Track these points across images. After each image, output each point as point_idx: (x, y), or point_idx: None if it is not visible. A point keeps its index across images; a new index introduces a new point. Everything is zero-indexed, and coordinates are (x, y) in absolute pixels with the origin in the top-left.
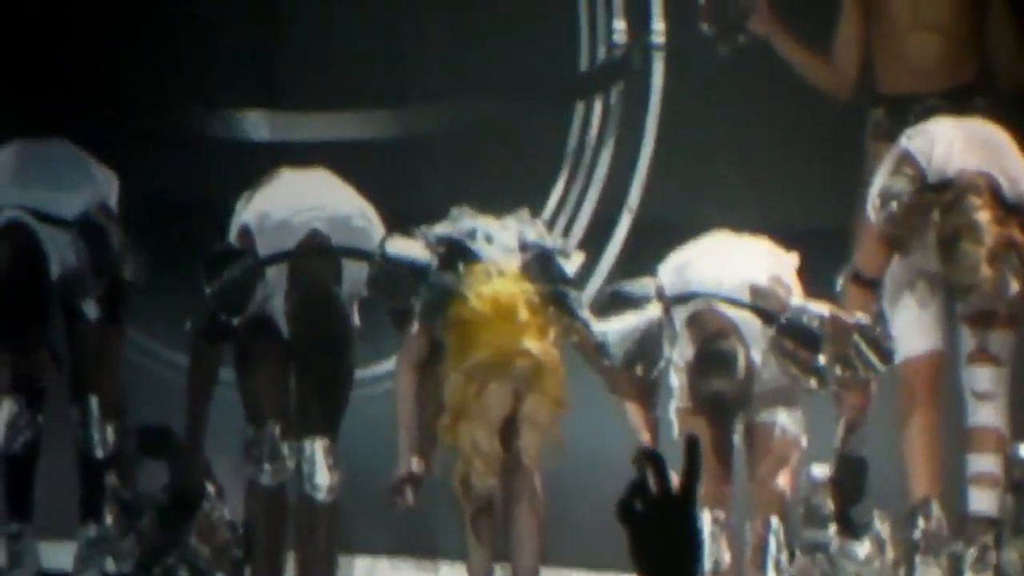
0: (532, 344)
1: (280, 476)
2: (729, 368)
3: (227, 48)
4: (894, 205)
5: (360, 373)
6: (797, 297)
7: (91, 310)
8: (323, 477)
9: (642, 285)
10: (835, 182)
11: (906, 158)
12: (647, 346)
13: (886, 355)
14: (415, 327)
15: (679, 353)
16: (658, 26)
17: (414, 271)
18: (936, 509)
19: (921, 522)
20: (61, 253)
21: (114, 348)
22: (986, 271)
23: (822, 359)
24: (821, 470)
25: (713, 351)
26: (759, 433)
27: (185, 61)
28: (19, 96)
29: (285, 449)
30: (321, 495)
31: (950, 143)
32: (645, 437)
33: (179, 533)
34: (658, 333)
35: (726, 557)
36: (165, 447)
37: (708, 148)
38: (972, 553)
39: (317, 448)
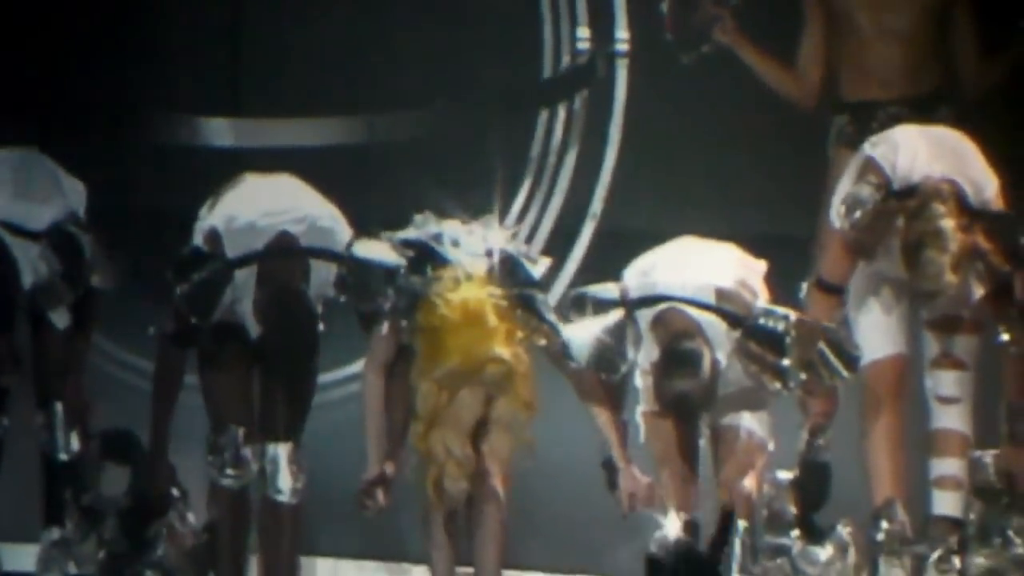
0: (502, 349)
1: (243, 479)
2: (694, 368)
3: (191, 56)
4: (859, 212)
5: (325, 377)
6: (763, 301)
7: (59, 318)
8: (286, 480)
9: (607, 289)
10: (799, 189)
11: (870, 165)
12: (612, 349)
13: (851, 362)
14: (383, 329)
15: (644, 355)
16: (622, 34)
17: (382, 272)
18: (900, 511)
19: (884, 524)
20: (32, 264)
21: (80, 354)
22: (950, 278)
23: (787, 362)
24: (784, 475)
25: (678, 351)
26: (725, 436)
27: (149, 69)
28: None
29: (248, 453)
30: (284, 498)
31: (914, 150)
32: (612, 440)
33: (143, 539)
34: (622, 336)
35: None
36: (128, 452)
37: (672, 156)
38: (936, 555)
39: (280, 451)
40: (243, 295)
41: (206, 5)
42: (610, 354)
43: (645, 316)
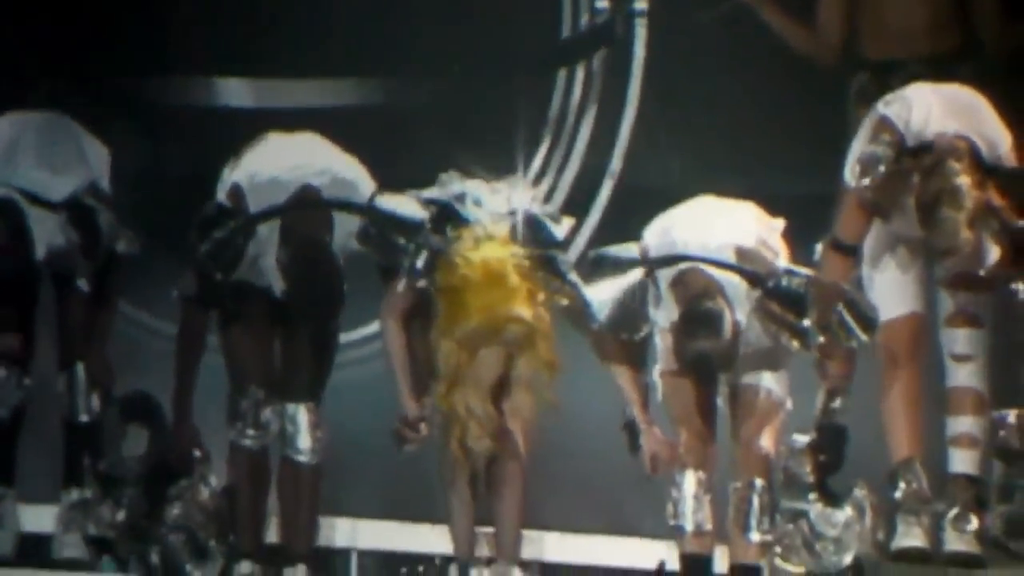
0: (522, 309)
1: (262, 440)
2: (714, 327)
3: (210, 17)
4: (873, 171)
5: (346, 336)
6: (783, 260)
7: (83, 283)
8: (306, 440)
9: (627, 248)
10: (819, 148)
11: (884, 124)
12: (632, 308)
13: (869, 324)
14: (402, 284)
15: (664, 315)
16: None
17: (405, 225)
18: (918, 469)
19: (902, 483)
20: (50, 235)
21: (104, 319)
22: (966, 234)
23: (807, 322)
24: (801, 438)
25: (699, 311)
26: (743, 395)
27: (167, 31)
28: (4, 69)
29: (268, 413)
30: (304, 458)
31: (928, 108)
32: (634, 400)
33: (164, 499)
34: (643, 295)
35: (708, 517)
36: (148, 415)
37: (690, 115)
38: (953, 512)
39: (300, 411)
40: (266, 250)
41: None
42: (631, 314)
43: (665, 275)
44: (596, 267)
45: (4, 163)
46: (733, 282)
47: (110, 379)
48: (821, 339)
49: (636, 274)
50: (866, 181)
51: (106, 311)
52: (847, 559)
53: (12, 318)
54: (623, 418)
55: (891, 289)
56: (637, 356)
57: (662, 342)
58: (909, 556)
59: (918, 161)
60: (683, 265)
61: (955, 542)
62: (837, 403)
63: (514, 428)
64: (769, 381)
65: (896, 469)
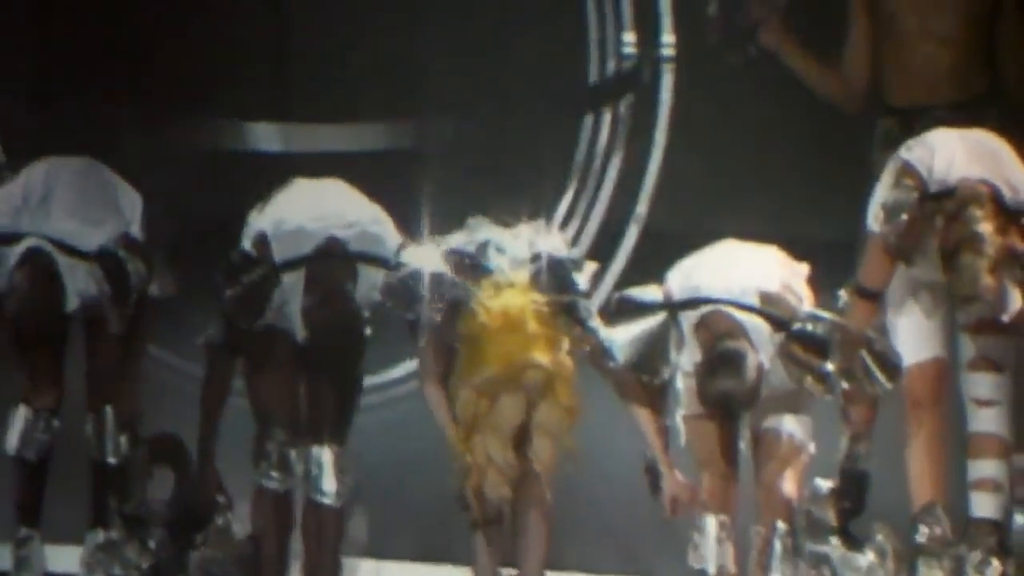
0: (542, 355)
1: (287, 482)
2: (738, 368)
3: (239, 60)
4: (896, 216)
5: (373, 379)
6: (807, 305)
7: (114, 325)
8: (331, 483)
9: (650, 291)
10: (843, 193)
11: (906, 169)
12: (653, 350)
13: (892, 372)
14: (424, 339)
15: (687, 358)
16: (667, 39)
17: (427, 281)
18: (940, 514)
19: (924, 527)
20: (81, 283)
21: (134, 361)
22: (987, 281)
23: (830, 367)
24: (824, 483)
25: (722, 351)
26: (766, 438)
27: (197, 74)
28: (39, 111)
29: (292, 455)
30: (328, 500)
31: (951, 153)
32: (655, 444)
33: (189, 545)
34: (665, 337)
35: (730, 560)
36: (174, 457)
37: (716, 159)
38: (975, 556)
39: (325, 453)
40: (291, 298)
41: (254, 10)
42: (652, 356)
43: (688, 318)
44: (619, 309)
45: (37, 211)
46: (757, 325)
47: (137, 422)
48: (845, 385)
49: (658, 317)
50: (889, 227)
51: (136, 354)
52: None
53: (42, 363)
54: (644, 461)
55: (915, 334)
56: (658, 399)
57: (684, 385)
58: None
59: (941, 206)
60: (706, 308)
61: None
62: (860, 448)
63: (537, 474)
64: (791, 425)
65: (918, 513)
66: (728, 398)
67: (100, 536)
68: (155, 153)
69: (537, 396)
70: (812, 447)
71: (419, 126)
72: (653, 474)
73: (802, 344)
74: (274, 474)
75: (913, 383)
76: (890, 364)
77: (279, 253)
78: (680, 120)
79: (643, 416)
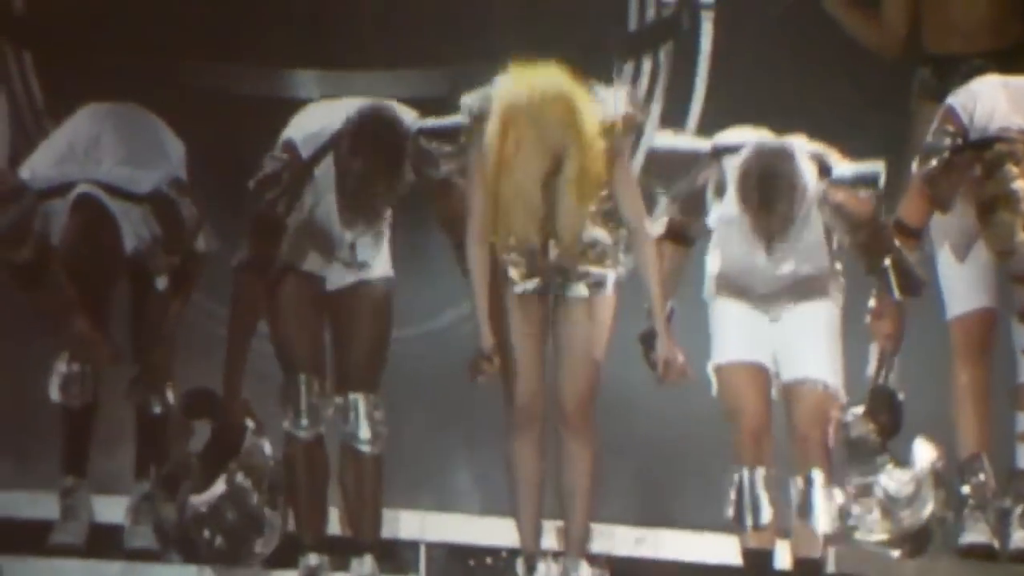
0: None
1: (316, 429)
2: (786, 167)
3: (278, 9)
4: (931, 160)
5: (403, 332)
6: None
7: (161, 281)
8: (366, 430)
9: (695, 141)
10: (883, 141)
11: (948, 114)
12: (697, 188)
13: (907, 287)
14: (472, 183)
15: (727, 207)
16: None
17: (451, 131)
18: (986, 464)
19: (970, 478)
20: (135, 227)
21: (174, 316)
22: (1022, 237)
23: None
24: (855, 410)
25: (772, 169)
26: (798, 389)
27: (237, 23)
28: (78, 59)
29: (321, 403)
30: (365, 447)
31: (993, 101)
32: (657, 311)
33: (221, 472)
34: (705, 182)
35: (768, 512)
36: (210, 410)
37: (756, 108)
38: (1020, 509)
39: (360, 401)
40: (323, 192)
41: None
42: (695, 193)
43: (732, 163)
44: (662, 159)
45: (85, 158)
46: (804, 167)
47: (170, 374)
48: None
49: (704, 160)
50: (926, 171)
51: (177, 308)
52: (925, 513)
53: (90, 309)
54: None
55: (964, 283)
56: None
57: (719, 239)
58: (975, 552)
59: (979, 154)
60: (751, 150)
61: (1022, 540)
62: (890, 364)
63: (585, 412)
64: (823, 373)
65: (963, 464)
66: (775, 180)
67: (145, 486)
68: (194, 102)
69: (563, 148)
70: (844, 396)
71: (456, 73)
72: (649, 338)
73: (843, 189)
74: (303, 422)
75: (959, 333)
76: (909, 280)
77: (307, 150)
78: (720, 69)
79: (656, 285)
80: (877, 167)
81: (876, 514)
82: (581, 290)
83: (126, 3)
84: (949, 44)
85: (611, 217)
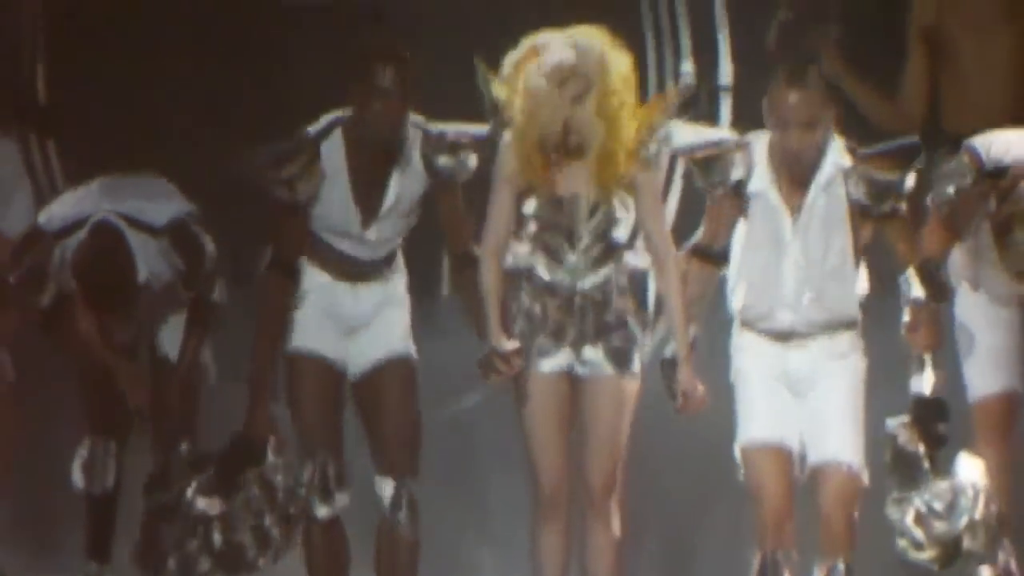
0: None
1: (333, 509)
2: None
3: (299, 87)
4: (946, 187)
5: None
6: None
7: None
8: (406, 514)
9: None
10: None
11: (966, 149)
12: (726, 161)
13: (937, 291)
14: (493, 184)
15: (757, 181)
16: (726, 67)
17: (468, 138)
18: (1007, 543)
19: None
20: (151, 260)
21: (190, 364)
22: None
23: (905, 181)
24: (894, 420)
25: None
26: (822, 471)
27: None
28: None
29: (337, 483)
30: (405, 532)
31: (1010, 140)
32: (680, 341)
33: (236, 484)
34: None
35: None
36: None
37: None
38: None
39: (401, 486)
40: (334, 168)
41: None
42: (724, 165)
43: (760, 140)
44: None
45: (102, 197)
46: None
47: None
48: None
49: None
50: (939, 198)
51: (192, 357)
52: (961, 524)
53: (121, 331)
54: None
55: (987, 362)
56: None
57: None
58: None
59: (995, 183)
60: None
61: None
62: (925, 371)
63: (608, 498)
64: (846, 454)
65: None
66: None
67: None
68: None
69: (576, 86)
70: (866, 477)
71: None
72: (670, 366)
73: (874, 162)
74: (319, 501)
75: (982, 415)
76: (935, 285)
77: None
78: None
79: (680, 313)
80: (913, 138)
81: (910, 518)
82: (606, 368)
83: (151, 87)
84: (967, 124)
85: (632, 291)
